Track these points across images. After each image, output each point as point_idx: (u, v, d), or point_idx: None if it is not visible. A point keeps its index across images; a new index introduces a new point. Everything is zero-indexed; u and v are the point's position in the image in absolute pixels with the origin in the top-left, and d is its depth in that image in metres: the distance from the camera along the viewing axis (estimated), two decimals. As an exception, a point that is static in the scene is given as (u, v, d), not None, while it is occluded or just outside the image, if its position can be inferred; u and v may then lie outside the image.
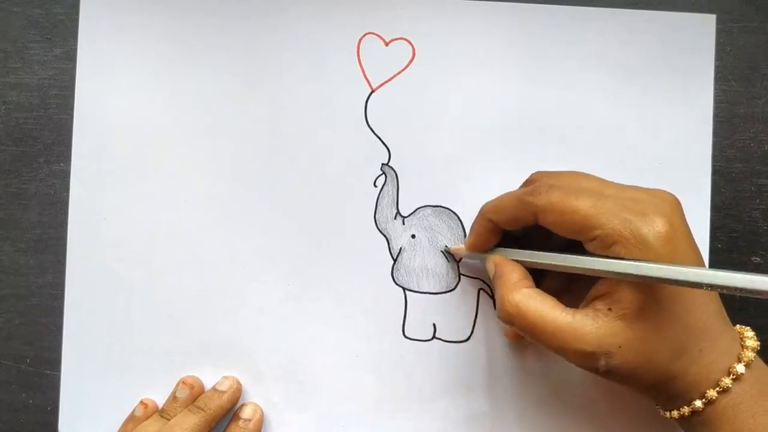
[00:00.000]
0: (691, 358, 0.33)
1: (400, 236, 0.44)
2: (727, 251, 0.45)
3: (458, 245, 0.43)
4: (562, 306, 0.34)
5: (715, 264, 0.44)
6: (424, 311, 0.44)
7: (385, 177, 0.44)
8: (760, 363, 0.34)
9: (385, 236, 0.44)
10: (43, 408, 0.44)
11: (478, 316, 0.44)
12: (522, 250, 0.38)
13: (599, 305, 0.33)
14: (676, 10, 0.44)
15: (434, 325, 0.44)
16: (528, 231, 0.38)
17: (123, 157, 0.44)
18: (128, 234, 0.44)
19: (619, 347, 0.32)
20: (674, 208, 0.34)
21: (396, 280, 0.44)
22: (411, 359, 0.44)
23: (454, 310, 0.44)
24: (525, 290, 0.35)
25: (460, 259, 0.44)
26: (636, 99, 0.44)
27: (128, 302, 0.44)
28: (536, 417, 0.43)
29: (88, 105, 0.44)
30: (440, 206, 0.44)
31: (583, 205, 0.33)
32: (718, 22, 0.44)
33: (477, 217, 0.39)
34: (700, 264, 0.34)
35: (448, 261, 0.44)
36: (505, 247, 0.39)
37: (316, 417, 0.44)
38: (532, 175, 0.39)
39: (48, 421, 0.44)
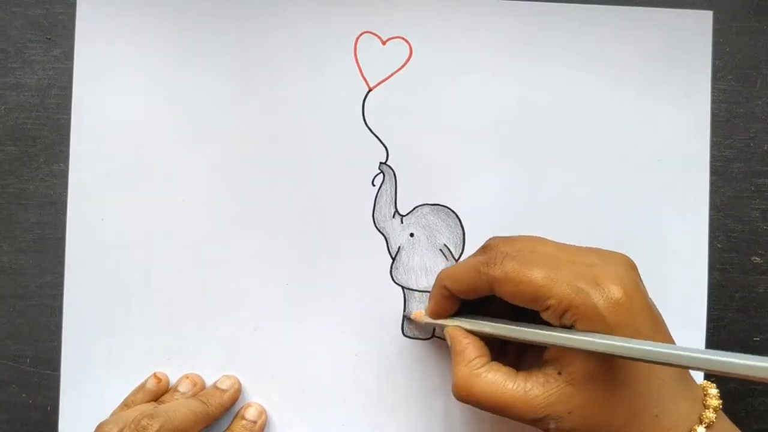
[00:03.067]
0: (646, 424, 0.33)
1: (399, 235, 0.44)
2: (726, 251, 0.45)
3: (419, 310, 0.42)
4: (514, 375, 0.34)
5: (715, 264, 0.44)
6: (423, 310, 0.44)
7: (383, 176, 0.44)
8: (724, 422, 0.34)
9: (383, 235, 0.44)
10: (43, 408, 0.44)
11: (477, 315, 0.44)
12: (478, 320, 0.37)
13: (550, 369, 0.34)
14: (673, 8, 0.44)
15: (433, 323, 0.44)
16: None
17: (121, 157, 0.44)
18: (127, 234, 0.44)
19: (569, 413, 0.33)
20: (629, 272, 0.34)
21: (395, 278, 0.44)
22: (410, 358, 0.44)
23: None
24: (477, 370, 0.35)
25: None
26: (634, 96, 0.44)
27: (127, 302, 0.44)
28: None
29: (85, 106, 0.44)
30: (438, 204, 0.44)
31: (537, 275, 0.33)
32: (718, 21, 0.44)
33: (434, 283, 0.39)
34: (657, 328, 0.34)
35: (446, 259, 0.44)
36: (467, 308, 0.39)
37: (316, 417, 0.44)
38: (488, 240, 0.39)
39: (48, 421, 0.44)
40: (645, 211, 0.44)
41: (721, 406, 0.34)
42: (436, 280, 0.39)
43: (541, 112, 0.44)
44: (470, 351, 0.36)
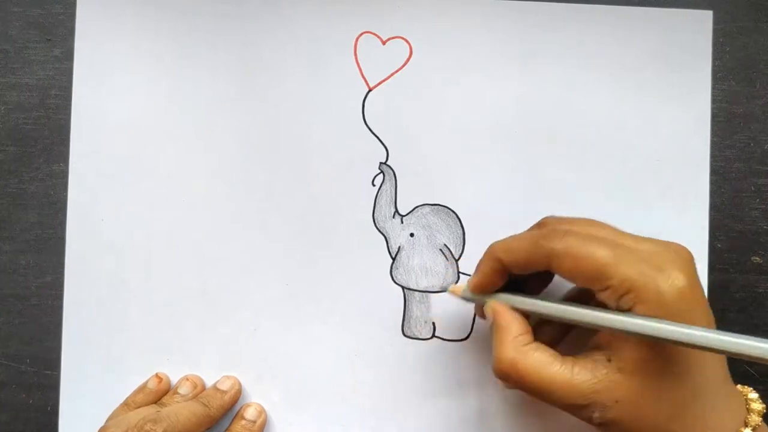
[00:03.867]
0: (693, 419, 0.32)
1: (399, 235, 0.44)
2: (726, 251, 0.45)
3: (459, 284, 0.41)
4: (560, 359, 0.33)
5: (715, 264, 0.44)
6: (424, 310, 0.44)
7: (384, 176, 0.44)
8: (765, 429, 0.33)
9: (383, 235, 0.44)
10: (43, 408, 0.44)
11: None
12: (523, 298, 0.36)
13: (599, 355, 0.32)
14: (673, 8, 0.44)
15: (433, 323, 0.44)
16: (524, 276, 0.36)
17: (121, 157, 0.44)
18: (127, 234, 0.44)
19: (616, 401, 0.31)
20: (689, 263, 0.33)
21: (395, 278, 0.44)
22: (411, 358, 0.44)
23: (453, 309, 0.43)
24: (522, 347, 0.34)
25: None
26: (634, 97, 0.44)
27: (127, 302, 0.44)
28: (538, 414, 0.43)
29: (85, 106, 0.44)
30: (438, 205, 0.44)
31: (602, 254, 0.32)
32: (718, 21, 0.44)
33: (484, 256, 0.37)
34: (710, 321, 0.33)
35: (446, 259, 0.44)
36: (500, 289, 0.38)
37: (316, 417, 0.44)
38: (544, 218, 0.38)
39: (48, 421, 0.44)
40: (645, 211, 0.44)
41: (764, 411, 0.33)
42: (487, 252, 0.37)
43: (541, 112, 0.44)
44: (515, 327, 0.35)
